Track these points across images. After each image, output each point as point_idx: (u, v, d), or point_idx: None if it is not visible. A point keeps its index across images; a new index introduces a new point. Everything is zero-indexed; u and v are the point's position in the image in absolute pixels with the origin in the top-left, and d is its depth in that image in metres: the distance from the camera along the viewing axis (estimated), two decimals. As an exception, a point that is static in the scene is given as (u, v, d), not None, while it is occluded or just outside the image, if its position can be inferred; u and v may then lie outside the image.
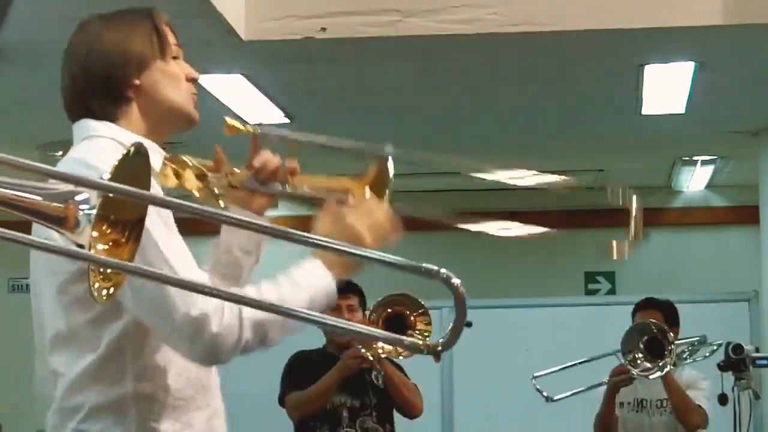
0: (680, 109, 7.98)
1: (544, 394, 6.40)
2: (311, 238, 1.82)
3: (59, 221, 1.92)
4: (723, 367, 6.05)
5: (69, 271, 2.59)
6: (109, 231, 1.93)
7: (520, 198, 11.69)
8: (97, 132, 2.77)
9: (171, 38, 2.88)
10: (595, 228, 11.81)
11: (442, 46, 6.46)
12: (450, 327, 1.79)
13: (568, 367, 6.22)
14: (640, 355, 5.96)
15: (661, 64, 6.96)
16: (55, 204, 1.92)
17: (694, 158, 10.26)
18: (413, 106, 8.00)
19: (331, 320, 1.93)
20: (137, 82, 2.79)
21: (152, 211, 2.44)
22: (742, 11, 6.13)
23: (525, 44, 6.46)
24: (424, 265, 1.75)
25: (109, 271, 1.94)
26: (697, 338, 6.42)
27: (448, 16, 6.22)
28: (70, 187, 1.93)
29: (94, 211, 1.90)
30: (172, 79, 2.82)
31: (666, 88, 7.47)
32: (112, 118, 2.79)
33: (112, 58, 2.80)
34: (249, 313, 2.52)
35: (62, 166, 2.67)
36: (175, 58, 2.86)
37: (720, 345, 6.25)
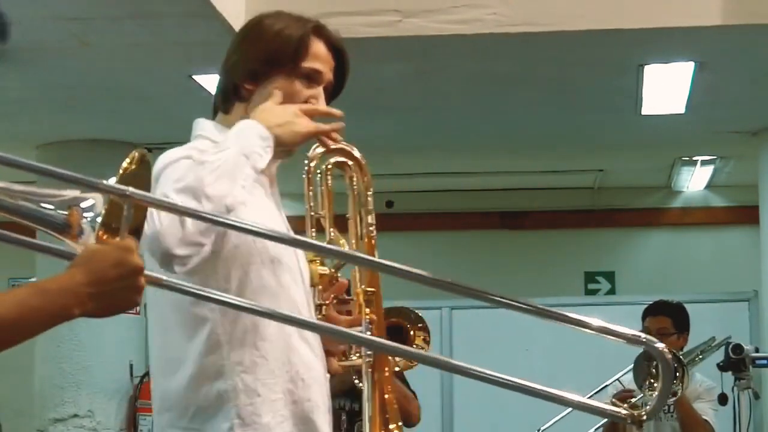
0: (680, 109, 7.98)
1: None
2: (326, 248, 1.87)
3: (63, 229, 1.94)
4: (723, 367, 6.05)
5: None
6: (106, 237, 1.95)
7: (520, 198, 11.71)
8: (204, 132, 2.76)
9: (316, 61, 2.78)
10: (595, 228, 11.83)
11: (442, 46, 6.46)
12: (657, 393, 1.84)
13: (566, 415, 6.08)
14: (652, 380, 5.86)
15: (661, 64, 6.96)
16: (60, 212, 1.93)
17: (694, 158, 10.26)
18: (413, 106, 8.00)
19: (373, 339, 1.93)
20: (248, 87, 2.75)
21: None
22: (742, 11, 6.13)
23: (525, 44, 6.46)
24: (643, 336, 1.78)
25: None
26: (707, 342, 6.39)
27: (447, 16, 6.22)
28: (75, 194, 1.94)
29: (99, 219, 1.91)
30: (282, 95, 2.72)
31: (666, 88, 7.47)
32: (225, 111, 2.79)
33: (249, 52, 2.79)
34: (174, 192, 2.47)
35: (157, 164, 2.63)
36: (310, 80, 2.76)
37: (725, 340, 6.23)
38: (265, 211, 2.69)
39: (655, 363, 5.84)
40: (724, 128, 8.80)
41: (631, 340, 1.84)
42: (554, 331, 9.35)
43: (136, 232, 1.99)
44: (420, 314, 5.91)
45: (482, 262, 11.32)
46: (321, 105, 2.76)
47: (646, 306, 6.34)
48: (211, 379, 2.60)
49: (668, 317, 6.18)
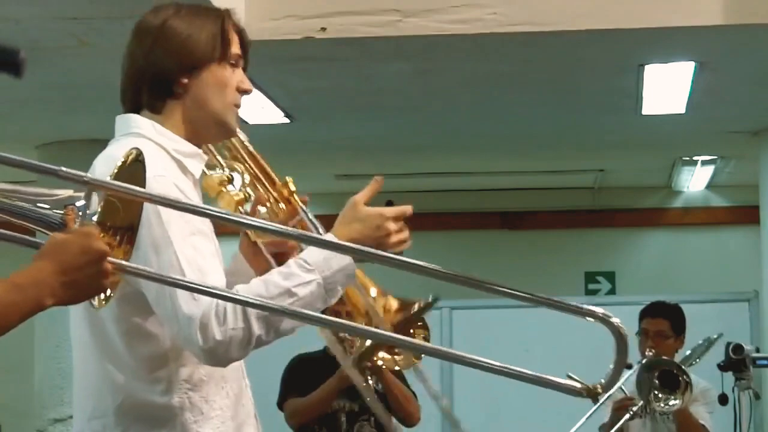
0: (680, 109, 7.97)
1: None
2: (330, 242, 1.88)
3: (60, 228, 1.96)
4: (723, 367, 6.05)
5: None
6: (102, 236, 1.96)
7: (520, 198, 11.70)
8: (141, 130, 2.72)
9: (235, 46, 2.83)
10: (596, 228, 11.83)
11: (442, 46, 6.45)
12: (611, 368, 1.84)
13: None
14: (656, 392, 5.84)
15: (661, 64, 6.96)
16: (56, 211, 1.95)
17: (695, 158, 10.26)
18: (413, 106, 8.00)
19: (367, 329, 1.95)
20: (185, 80, 2.75)
21: (174, 219, 2.50)
22: (742, 11, 6.13)
23: (525, 44, 6.46)
24: (585, 306, 1.82)
25: None
26: (701, 344, 6.37)
27: (448, 16, 6.22)
28: (69, 193, 1.96)
29: (95, 217, 1.92)
30: (220, 86, 2.78)
31: (666, 88, 7.47)
32: (156, 111, 2.75)
33: (172, 51, 2.75)
34: (253, 312, 2.50)
35: (99, 163, 2.65)
36: (233, 65, 2.82)
37: (718, 337, 6.20)
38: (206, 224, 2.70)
39: (656, 373, 5.84)
40: (725, 128, 8.80)
41: (582, 313, 1.89)
42: (554, 331, 9.35)
43: (130, 229, 2.01)
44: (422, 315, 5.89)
45: (482, 262, 11.31)
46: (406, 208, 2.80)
47: (643, 306, 6.33)
48: (156, 393, 2.62)
49: (666, 320, 6.17)
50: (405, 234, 2.74)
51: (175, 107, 2.75)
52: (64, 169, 1.96)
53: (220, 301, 2.49)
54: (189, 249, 2.55)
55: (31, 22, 5.85)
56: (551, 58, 6.83)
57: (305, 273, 2.57)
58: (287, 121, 8.14)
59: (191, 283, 2.41)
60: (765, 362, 6.12)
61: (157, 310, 2.57)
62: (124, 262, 2.02)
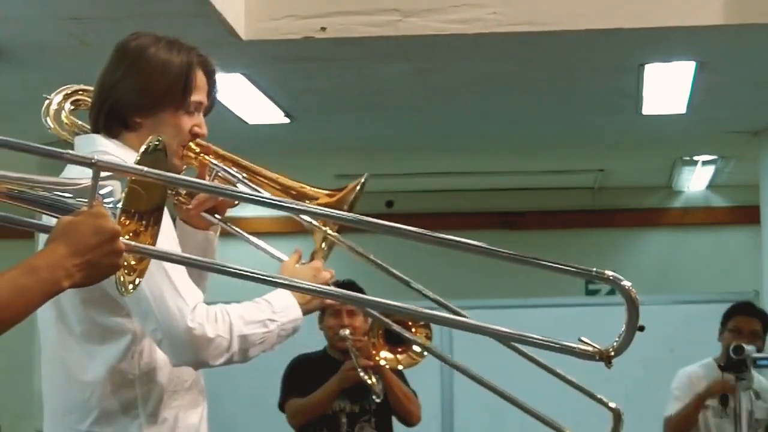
0: (680, 109, 7.97)
1: None
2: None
3: None
4: (724, 367, 6.05)
5: None
6: (128, 222, 2.01)
7: (520, 198, 11.71)
8: (106, 149, 2.81)
9: (199, 93, 2.91)
10: (596, 228, 11.83)
11: (442, 46, 6.45)
12: (623, 330, 1.84)
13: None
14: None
15: (661, 64, 6.96)
16: (80, 200, 1.99)
17: (695, 158, 10.26)
18: (413, 106, 8.00)
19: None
20: (138, 120, 2.85)
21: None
22: (742, 11, 6.13)
23: (525, 44, 6.46)
24: (594, 269, 1.83)
25: (132, 262, 2.01)
26: None
27: (448, 16, 6.21)
28: (90, 181, 1.99)
29: (120, 205, 1.96)
30: (173, 131, 2.87)
31: (666, 88, 7.47)
32: (112, 137, 2.86)
33: (137, 87, 2.86)
34: (237, 327, 2.72)
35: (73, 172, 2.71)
36: (191, 112, 2.91)
37: None
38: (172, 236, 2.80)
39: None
40: (725, 128, 8.80)
41: (592, 276, 1.90)
42: (555, 330, 9.35)
43: (156, 210, 2.04)
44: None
45: (482, 262, 11.30)
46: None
47: (734, 304, 6.41)
48: (122, 386, 2.73)
49: (759, 320, 6.24)
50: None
51: (129, 136, 2.86)
52: (70, 152, 2.02)
53: (209, 307, 2.69)
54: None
55: (31, 22, 5.85)
56: (551, 58, 6.83)
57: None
58: (287, 121, 8.14)
59: (206, 262, 2.48)
60: (765, 362, 6.12)
61: (139, 312, 2.68)
62: (133, 243, 2.04)
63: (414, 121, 8.48)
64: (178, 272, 2.68)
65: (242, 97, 7.41)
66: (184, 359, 2.69)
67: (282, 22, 6.20)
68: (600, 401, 3.18)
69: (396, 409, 5.99)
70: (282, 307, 2.84)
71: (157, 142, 2.03)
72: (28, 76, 6.69)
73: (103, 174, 1.98)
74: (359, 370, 5.75)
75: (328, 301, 3.13)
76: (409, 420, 6.08)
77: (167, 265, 2.63)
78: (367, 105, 7.92)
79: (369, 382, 5.79)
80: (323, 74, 7.08)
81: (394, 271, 3.05)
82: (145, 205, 2.05)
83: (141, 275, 2.05)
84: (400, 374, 6.03)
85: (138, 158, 2.00)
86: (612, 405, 3.23)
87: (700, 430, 6.16)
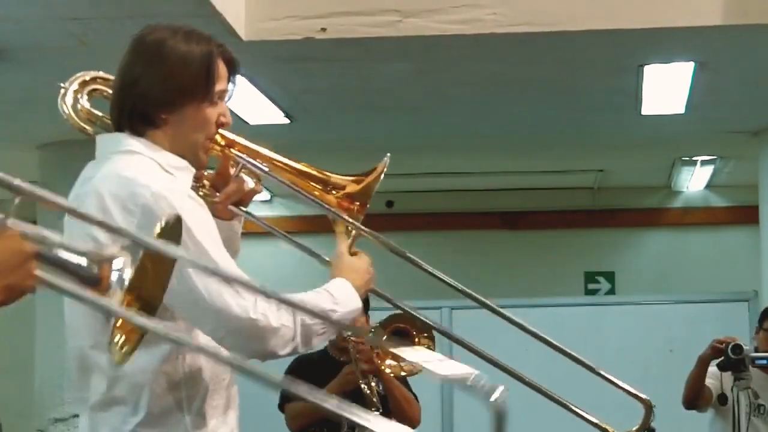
0: (680, 109, 7.98)
1: None
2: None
3: (94, 283, 2.02)
4: (723, 367, 6.06)
5: None
6: (128, 301, 2.03)
7: (520, 198, 11.71)
8: (134, 148, 2.81)
9: (221, 82, 2.89)
10: (595, 228, 11.84)
11: (442, 46, 6.46)
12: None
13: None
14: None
15: (661, 64, 6.96)
16: (93, 265, 2.01)
17: (694, 158, 10.27)
18: (413, 106, 8.00)
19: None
20: (164, 116, 2.83)
21: (203, 230, 2.69)
22: (742, 11, 6.13)
23: (525, 44, 6.46)
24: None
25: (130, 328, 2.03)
26: None
27: (448, 16, 6.22)
28: (114, 251, 2.02)
29: (127, 280, 1.99)
30: (199, 124, 2.87)
31: (666, 88, 7.47)
32: (137, 135, 2.84)
33: (158, 83, 2.82)
34: (300, 317, 2.74)
35: (107, 182, 2.74)
36: (215, 102, 2.89)
37: None
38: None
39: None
40: (724, 128, 8.81)
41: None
42: (554, 331, 9.35)
43: (149, 306, 2.06)
44: (428, 322, 5.90)
45: (482, 262, 11.32)
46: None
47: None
48: (168, 388, 2.74)
49: None
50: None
51: (155, 133, 2.84)
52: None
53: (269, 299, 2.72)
54: (225, 255, 2.74)
55: (31, 22, 5.85)
56: (551, 58, 6.84)
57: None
58: (287, 121, 8.14)
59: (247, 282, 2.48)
60: (764, 362, 6.13)
61: (196, 315, 2.70)
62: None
63: (414, 121, 8.48)
64: (233, 268, 2.71)
65: (242, 97, 7.41)
66: (251, 351, 2.69)
67: (282, 23, 6.21)
68: (631, 393, 3.23)
69: (395, 413, 5.99)
70: (343, 298, 2.88)
71: (176, 218, 2.05)
72: (28, 76, 6.70)
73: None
74: (359, 377, 5.76)
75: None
76: (409, 424, 6.08)
77: (221, 262, 2.67)
78: (367, 105, 7.93)
79: (367, 391, 5.81)
80: (323, 74, 7.08)
81: (427, 267, 3.20)
82: (146, 291, 2.06)
83: (136, 346, 2.07)
84: (402, 378, 6.04)
85: (157, 232, 2.01)
86: (643, 396, 3.29)
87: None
